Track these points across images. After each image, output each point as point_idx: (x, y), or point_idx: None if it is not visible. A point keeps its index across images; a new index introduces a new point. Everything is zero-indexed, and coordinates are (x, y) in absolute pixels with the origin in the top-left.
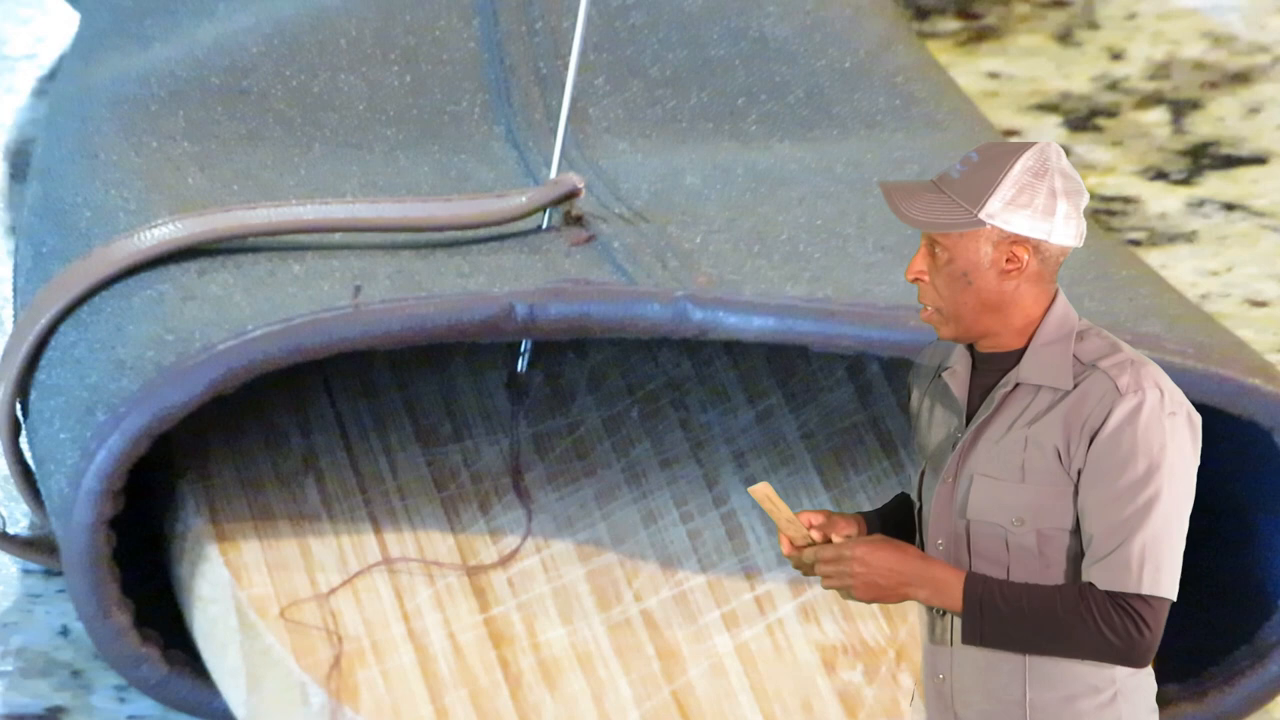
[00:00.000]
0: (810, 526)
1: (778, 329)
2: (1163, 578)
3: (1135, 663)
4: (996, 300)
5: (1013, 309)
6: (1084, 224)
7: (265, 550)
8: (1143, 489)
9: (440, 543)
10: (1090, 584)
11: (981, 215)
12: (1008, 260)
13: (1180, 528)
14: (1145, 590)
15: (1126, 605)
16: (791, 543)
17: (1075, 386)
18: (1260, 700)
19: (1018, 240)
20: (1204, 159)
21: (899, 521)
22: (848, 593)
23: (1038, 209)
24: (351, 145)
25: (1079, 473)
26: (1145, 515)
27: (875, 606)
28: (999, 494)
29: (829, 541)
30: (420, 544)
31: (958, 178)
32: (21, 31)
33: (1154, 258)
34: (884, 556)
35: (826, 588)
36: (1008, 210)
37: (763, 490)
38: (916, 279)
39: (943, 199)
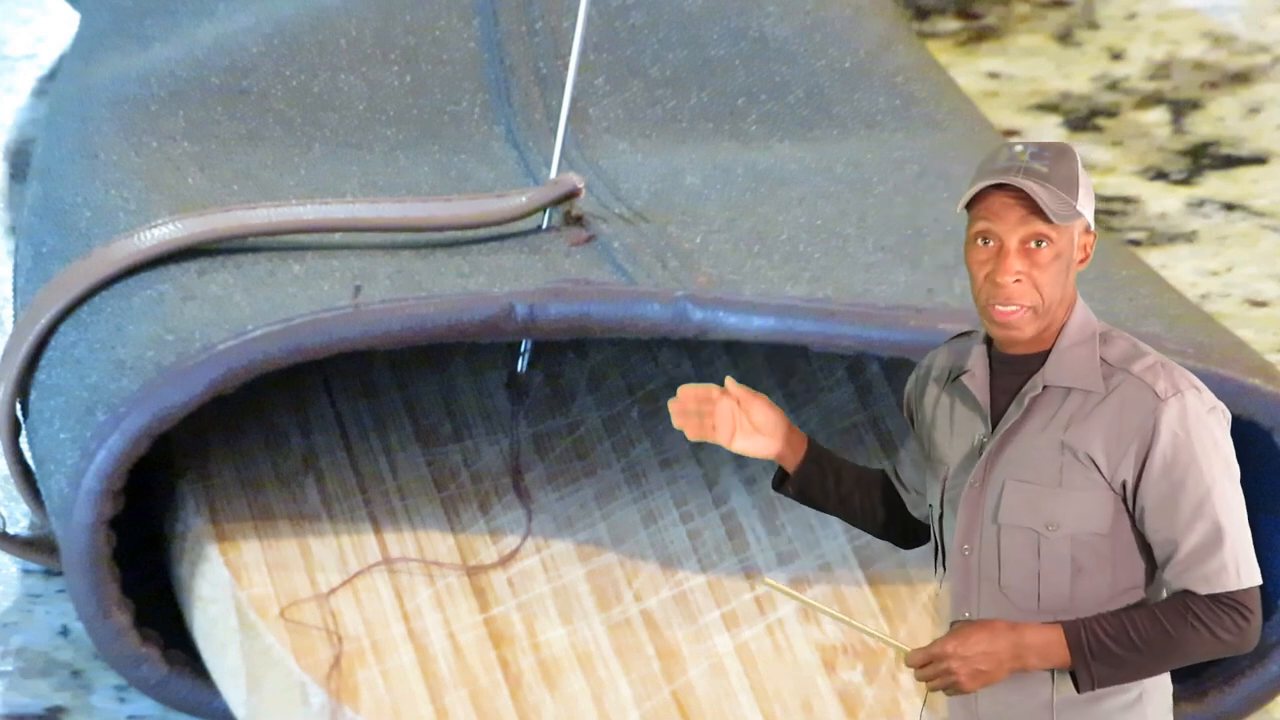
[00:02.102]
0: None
1: (778, 329)
2: (1253, 566)
3: (1248, 648)
4: (1072, 293)
5: (1067, 303)
6: None
7: (265, 550)
8: (1213, 493)
9: (440, 543)
10: (1187, 592)
11: (1079, 206)
12: (1084, 249)
13: (1244, 511)
14: (1245, 584)
15: (1230, 602)
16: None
17: (1109, 393)
18: (1260, 700)
19: (1088, 230)
20: (1204, 159)
21: (836, 468)
22: (958, 689)
23: (1093, 200)
24: (351, 145)
25: (1124, 484)
26: (1224, 517)
27: (876, 606)
28: (1033, 499)
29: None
30: (420, 544)
31: (1047, 170)
32: (21, 31)
33: (1154, 258)
34: (975, 643)
35: (933, 690)
36: (1086, 201)
37: (774, 584)
38: (1018, 279)
39: (1052, 191)
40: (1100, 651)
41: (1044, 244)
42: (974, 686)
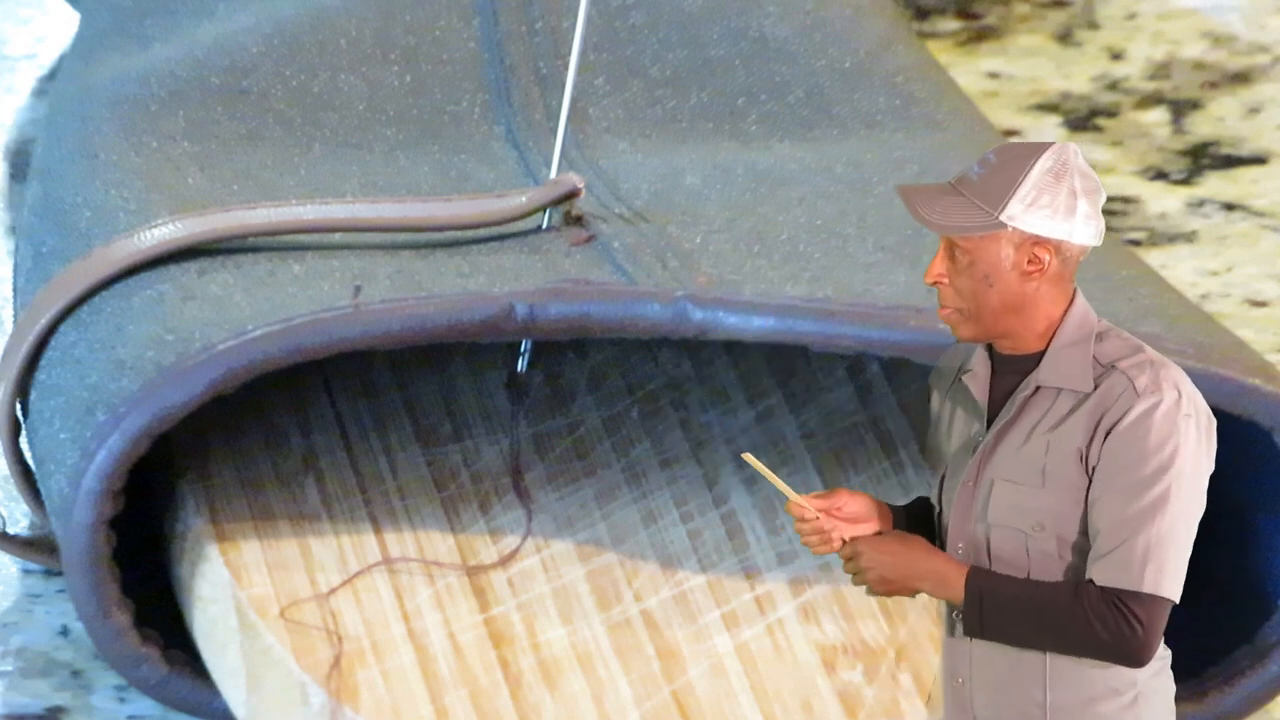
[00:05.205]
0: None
1: (778, 329)
2: (1164, 578)
3: (1130, 661)
4: (1018, 301)
5: (1034, 310)
6: (1103, 223)
7: (265, 550)
8: (1151, 488)
9: (440, 543)
10: (1089, 580)
11: (1002, 217)
12: (1029, 262)
13: (1187, 530)
14: (1146, 589)
15: (1121, 603)
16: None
17: (1095, 388)
18: (1260, 700)
19: (1039, 241)
20: (1204, 159)
21: (923, 517)
22: (870, 588)
23: (1058, 209)
24: (351, 145)
25: (1093, 470)
26: (1152, 514)
27: (876, 606)
28: (1019, 499)
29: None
30: (420, 544)
31: (976, 180)
32: (21, 31)
33: (1154, 258)
34: (887, 548)
35: (855, 584)
36: (1029, 211)
37: (752, 459)
38: (936, 281)
39: (962, 201)
40: (990, 603)
41: (958, 252)
42: (879, 590)
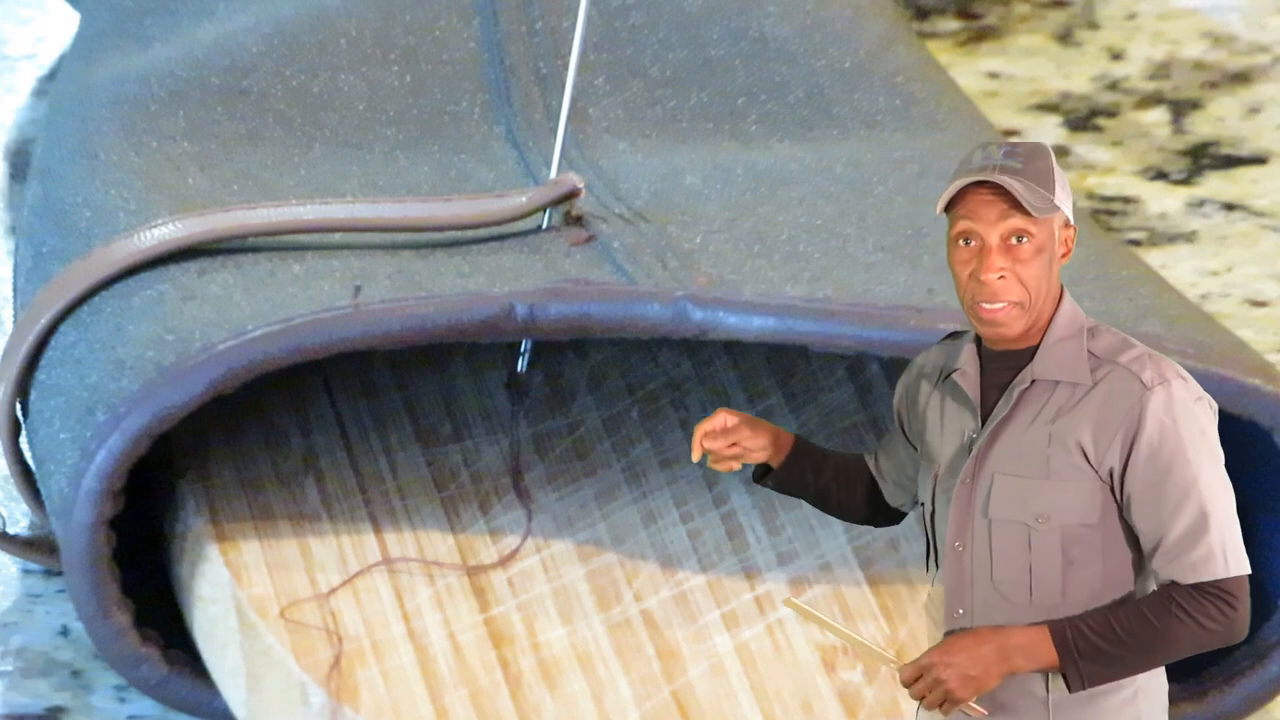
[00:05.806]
0: (724, 428)
1: (778, 329)
2: (1241, 555)
3: (1237, 638)
4: (1056, 287)
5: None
6: None
7: (265, 550)
8: (1199, 481)
9: (440, 543)
10: (1173, 583)
11: (1056, 200)
12: (1065, 243)
13: (1233, 501)
14: (1232, 573)
15: (1216, 590)
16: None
17: (1096, 383)
18: (1260, 700)
19: (1068, 224)
20: (1204, 159)
21: (817, 461)
22: (951, 698)
23: (1070, 195)
24: (351, 145)
25: (1111, 472)
26: (1210, 505)
27: (875, 606)
28: (1022, 492)
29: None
30: (420, 544)
31: (1022, 167)
32: (21, 31)
33: (1154, 258)
34: (960, 649)
35: (929, 708)
36: (1063, 195)
37: (792, 604)
38: (1001, 275)
39: (1028, 185)
40: (1087, 649)
41: (1025, 239)
42: (966, 694)
